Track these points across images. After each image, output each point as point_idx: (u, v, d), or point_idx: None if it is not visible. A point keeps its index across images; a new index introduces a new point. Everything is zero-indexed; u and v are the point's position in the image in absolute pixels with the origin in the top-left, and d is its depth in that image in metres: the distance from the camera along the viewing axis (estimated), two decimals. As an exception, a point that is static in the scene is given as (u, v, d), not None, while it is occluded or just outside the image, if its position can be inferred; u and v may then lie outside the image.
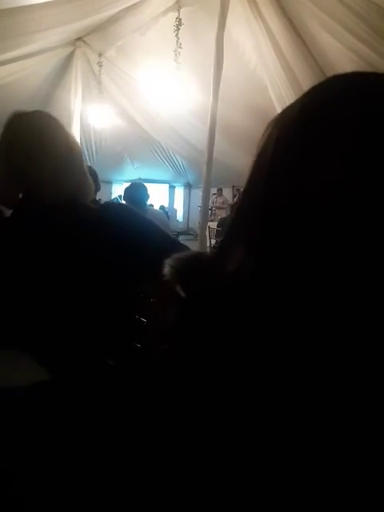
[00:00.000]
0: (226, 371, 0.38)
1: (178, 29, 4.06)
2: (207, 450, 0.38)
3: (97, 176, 2.17)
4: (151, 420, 0.43)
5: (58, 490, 0.72)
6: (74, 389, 0.79)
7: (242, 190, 0.46)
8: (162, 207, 9.37)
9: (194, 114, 5.37)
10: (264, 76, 4.27)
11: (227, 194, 9.41)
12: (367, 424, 0.33)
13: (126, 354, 0.90)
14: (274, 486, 0.35)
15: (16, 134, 0.90)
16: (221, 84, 3.32)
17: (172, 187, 12.21)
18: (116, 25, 4.43)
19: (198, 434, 0.38)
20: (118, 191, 10.26)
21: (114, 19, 4.34)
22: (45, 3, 3.25)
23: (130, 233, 0.89)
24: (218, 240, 5.02)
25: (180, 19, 4.04)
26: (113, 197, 10.39)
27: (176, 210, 11.99)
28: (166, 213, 7.84)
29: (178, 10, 4.03)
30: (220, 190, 9.35)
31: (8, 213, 0.93)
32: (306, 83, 3.87)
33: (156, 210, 4.92)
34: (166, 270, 0.47)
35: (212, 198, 8.45)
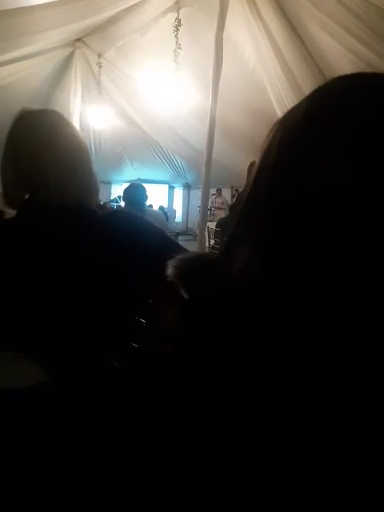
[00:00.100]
0: (232, 371, 0.38)
1: (178, 29, 4.06)
2: (213, 451, 0.38)
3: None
4: (156, 420, 0.43)
5: (57, 491, 0.72)
6: (75, 390, 0.79)
7: (248, 190, 0.46)
8: (161, 208, 9.37)
9: (193, 115, 5.38)
10: (263, 76, 4.28)
11: (226, 194, 9.41)
12: (369, 425, 0.33)
13: (126, 355, 0.90)
14: (274, 485, 0.35)
15: (24, 132, 0.88)
16: (220, 84, 3.33)
17: (171, 188, 12.21)
18: (115, 25, 4.43)
19: (202, 434, 0.39)
20: (117, 192, 10.26)
21: (113, 20, 4.34)
22: (44, 4, 3.26)
23: (134, 241, 0.88)
24: (218, 240, 5.02)
25: (179, 20, 4.04)
26: (112, 197, 10.39)
27: (175, 211, 11.98)
28: (165, 213, 7.85)
29: (178, 11, 4.03)
30: (219, 191, 9.35)
31: (12, 214, 0.92)
32: (305, 84, 3.87)
33: (155, 211, 4.92)
34: (170, 271, 0.47)
35: (211, 199, 8.45)
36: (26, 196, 0.89)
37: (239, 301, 0.40)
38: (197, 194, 9.31)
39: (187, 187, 11.87)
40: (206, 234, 4.88)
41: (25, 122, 0.89)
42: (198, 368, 0.40)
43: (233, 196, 8.75)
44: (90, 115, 5.97)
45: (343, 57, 3.59)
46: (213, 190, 8.58)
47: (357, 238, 0.35)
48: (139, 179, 9.69)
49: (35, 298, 0.82)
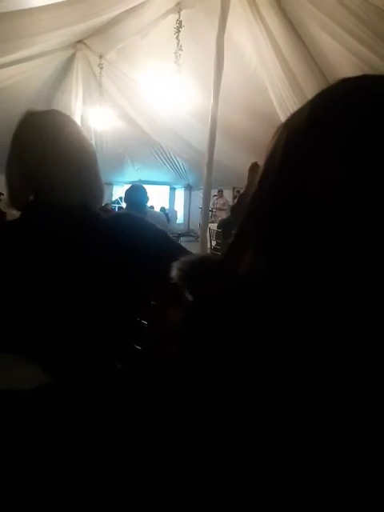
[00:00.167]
0: (237, 373, 0.38)
1: (179, 31, 4.07)
2: (219, 452, 0.38)
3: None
4: (160, 422, 0.43)
5: (59, 492, 0.72)
6: (78, 391, 0.79)
7: (253, 192, 0.46)
8: (162, 209, 9.38)
9: (194, 116, 5.38)
10: (264, 77, 4.28)
11: (228, 195, 9.42)
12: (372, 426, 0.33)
13: (128, 356, 0.90)
14: (275, 485, 0.35)
15: (29, 134, 0.87)
16: (221, 86, 3.33)
17: (173, 189, 12.23)
18: (117, 27, 4.44)
19: (207, 435, 0.39)
20: (118, 193, 10.28)
21: (114, 22, 4.36)
22: (46, 6, 3.27)
23: (137, 243, 0.88)
24: (219, 241, 5.02)
25: (180, 21, 4.05)
26: (114, 199, 10.41)
27: (176, 212, 12.00)
28: (167, 214, 7.86)
29: (179, 12, 4.04)
30: (220, 192, 9.36)
31: (14, 215, 0.91)
32: (306, 84, 3.88)
33: (156, 212, 4.93)
34: (174, 272, 0.47)
35: (212, 200, 8.46)
36: (31, 198, 0.88)
37: (244, 302, 0.40)
38: (198, 195, 9.32)
39: (188, 188, 11.89)
40: (208, 235, 4.88)
41: (30, 123, 0.89)
42: (203, 370, 0.40)
43: (234, 197, 8.76)
44: (92, 117, 5.99)
45: (344, 57, 3.60)
46: (214, 191, 8.59)
47: (359, 239, 0.35)
48: (141, 180, 9.71)
49: (38, 299, 0.82)
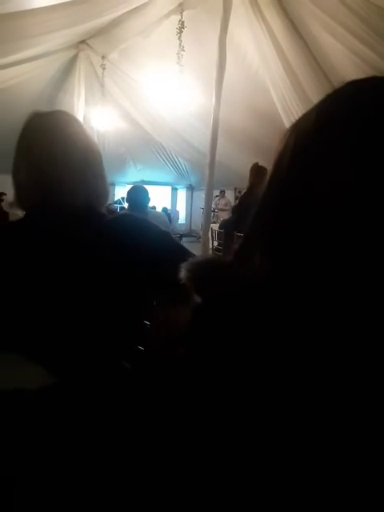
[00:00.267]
0: (246, 373, 0.38)
1: (181, 31, 4.07)
2: (226, 453, 0.38)
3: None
4: (169, 421, 0.44)
5: (61, 491, 0.72)
6: (83, 391, 0.79)
7: (261, 194, 0.46)
8: (164, 209, 9.38)
9: (196, 117, 5.38)
10: (266, 78, 4.28)
11: (230, 196, 9.42)
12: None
13: (132, 357, 0.90)
14: (276, 484, 0.35)
15: (37, 135, 0.87)
16: (223, 86, 3.33)
17: (174, 189, 12.23)
18: (119, 28, 4.45)
19: (215, 434, 0.39)
20: (120, 193, 10.29)
21: (116, 22, 4.36)
22: (48, 7, 3.28)
23: (140, 244, 0.88)
24: (221, 242, 5.01)
25: (183, 22, 4.05)
26: (116, 199, 10.42)
27: (178, 212, 12.00)
28: (169, 215, 7.86)
29: (181, 13, 4.04)
30: (222, 192, 9.36)
31: (17, 215, 0.91)
32: (308, 85, 3.87)
33: (157, 213, 4.93)
34: (182, 274, 0.47)
35: (214, 200, 8.46)
36: (38, 198, 0.88)
37: (251, 303, 0.40)
38: (200, 196, 9.32)
39: (190, 189, 11.88)
40: (210, 235, 4.88)
41: (37, 124, 0.89)
42: (211, 371, 0.40)
43: (236, 198, 8.75)
44: (94, 117, 5.99)
45: (345, 57, 3.59)
46: (216, 192, 8.59)
47: (366, 240, 0.36)
48: (143, 181, 9.71)
49: (41, 299, 0.82)
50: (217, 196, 8.98)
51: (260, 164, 3.50)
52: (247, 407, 0.37)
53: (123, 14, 4.15)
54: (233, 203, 8.55)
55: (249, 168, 3.66)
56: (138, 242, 0.88)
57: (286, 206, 0.41)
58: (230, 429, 0.38)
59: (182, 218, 12.15)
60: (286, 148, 0.43)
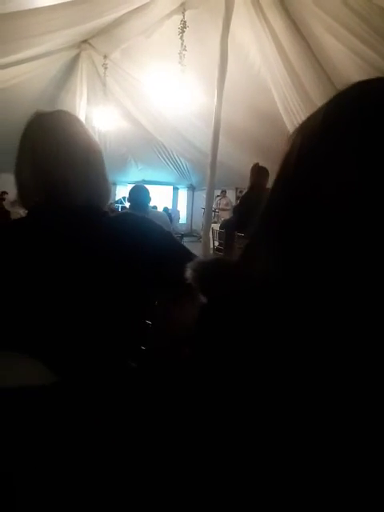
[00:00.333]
0: (253, 374, 0.38)
1: (183, 31, 4.07)
2: (230, 452, 0.38)
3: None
4: (175, 421, 0.44)
5: (63, 491, 0.72)
6: (86, 389, 0.80)
7: (269, 195, 0.47)
8: (165, 209, 9.38)
9: (198, 116, 5.38)
10: (268, 78, 4.28)
11: (231, 195, 9.41)
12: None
13: (135, 357, 0.90)
14: (277, 484, 0.35)
15: (40, 134, 0.88)
16: (225, 86, 3.33)
17: (176, 189, 12.22)
18: (121, 27, 4.45)
19: (220, 435, 0.39)
20: (122, 193, 10.29)
21: (119, 22, 4.36)
22: (50, 6, 3.28)
23: (141, 243, 0.88)
24: (222, 242, 5.01)
25: (185, 22, 4.05)
26: (117, 198, 10.42)
27: (179, 212, 11.99)
28: (169, 214, 7.85)
29: (183, 13, 4.04)
30: (223, 192, 9.35)
31: (19, 214, 0.92)
32: (310, 85, 3.87)
33: (158, 212, 4.93)
34: (188, 274, 0.47)
35: (215, 200, 8.45)
36: (41, 197, 0.89)
37: (259, 304, 0.40)
38: (201, 196, 9.30)
39: (191, 188, 11.88)
40: (211, 235, 4.88)
41: (40, 124, 0.89)
42: (217, 371, 0.40)
43: (237, 198, 8.75)
44: (96, 117, 5.99)
45: (347, 58, 3.59)
46: (217, 192, 8.58)
47: (373, 241, 0.36)
48: (144, 180, 9.71)
49: (43, 297, 0.82)
50: (218, 196, 8.97)
51: (260, 164, 3.50)
52: (252, 408, 0.37)
53: (125, 13, 4.16)
54: (234, 203, 8.55)
55: (250, 168, 3.66)
56: (140, 240, 0.88)
57: (293, 206, 0.41)
58: (235, 429, 0.38)
59: (182, 218, 12.14)
60: (293, 149, 0.43)
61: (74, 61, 5.45)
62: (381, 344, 0.34)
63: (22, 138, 0.89)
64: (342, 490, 0.34)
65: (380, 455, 0.33)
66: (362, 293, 0.36)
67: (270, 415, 0.36)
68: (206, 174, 3.59)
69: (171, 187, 11.97)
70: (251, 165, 3.66)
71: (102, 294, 0.84)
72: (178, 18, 4.10)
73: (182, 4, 4.05)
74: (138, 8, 4.07)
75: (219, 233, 5.40)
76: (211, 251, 4.89)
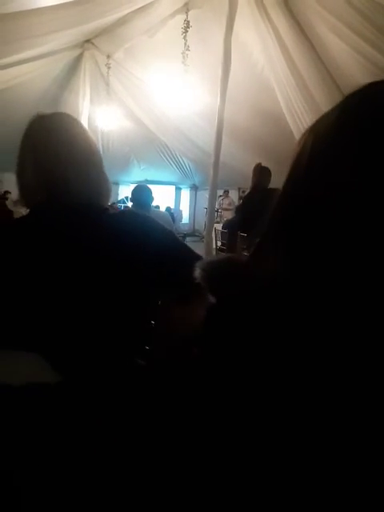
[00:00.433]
0: (262, 374, 0.38)
1: (186, 31, 4.08)
2: (240, 453, 0.38)
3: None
4: (181, 422, 0.44)
5: (64, 491, 0.72)
6: (89, 387, 0.80)
7: (279, 197, 0.46)
8: (167, 209, 9.39)
9: (201, 116, 5.38)
10: (271, 78, 4.27)
11: (233, 195, 9.41)
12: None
13: (143, 356, 0.90)
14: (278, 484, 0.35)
15: (42, 135, 0.89)
16: (228, 86, 3.33)
17: (178, 189, 12.23)
18: (124, 27, 4.46)
19: (226, 435, 0.39)
20: (124, 192, 10.30)
21: (122, 21, 4.37)
22: (54, 6, 3.28)
23: (141, 241, 0.88)
24: (225, 241, 5.01)
25: (188, 21, 4.05)
26: (119, 198, 10.44)
27: (181, 212, 12.00)
28: (172, 214, 7.85)
29: (186, 13, 4.04)
30: (226, 192, 9.35)
31: (21, 214, 0.93)
32: (313, 85, 3.86)
33: (161, 212, 4.92)
34: (197, 273, 0.47)
35: (218, 200, 8.45)
36: (43, 196, 0.89)
37: (269, 304, 0.40)
38: (204, 196, 9.32)
39: (194, 188, 11.89)
40: (213, 235, 4.88)
41: (42, 125, 0.91)
42: (226, 372, 0.40)
43: (240, 197, 8.75)
44: (99, 116, 6.00)
45: (351, 57, 3.58)
46: (220, 192, 8.59)
47: (381, 241, 0.36)
48: (146, 180, 9.72)
49: (45, 296, 0.83)
50: (220, 196, 8.98)
51: (263, 164, 3.49)
52: (260, 407, 0.37)
53: (128, 13, 4.16)
54: (236, 203, 8.55)
55: (252, 168, 3.66)
56: (142, 240, 0.88)
57: (304, 206, 0.41)
58: (243, 429, 0.38)
59: (185, 218, 12.15)
60: (305, 149, 0.43)
61: (77, 60, 5.46)
62: None
63: (23, 138, 0.90)
64: (343, 489, 0.33)
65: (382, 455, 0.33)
66: (372, 293, 0.36)
67: (278, 414, 0.36)
68: (208, 173, 3.59)
69: (174, 187, 11.98)
70: (254, 165, 3.66)
71: (103, 293, 0.84)
72: (181, 17, 4.10)
73: (186, 4, 4.05)
74: (141, 7, 4.07)
75: (222, 233, 5.40)
76: (214, 251, 4.89)
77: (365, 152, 0.37)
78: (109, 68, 5.39)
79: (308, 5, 3.51)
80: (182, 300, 0.88)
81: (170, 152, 8.82)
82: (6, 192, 7.87)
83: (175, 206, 11.84)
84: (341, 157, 0.39)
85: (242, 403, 0.38)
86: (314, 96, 3.84)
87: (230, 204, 9.16)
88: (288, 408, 0.36)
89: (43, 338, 0.81)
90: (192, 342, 0.60)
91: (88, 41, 5.05)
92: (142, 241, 0.88)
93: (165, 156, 9.08)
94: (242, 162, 5.73)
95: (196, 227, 11.65)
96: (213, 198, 3.71)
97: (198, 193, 11.72)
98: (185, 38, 4.09)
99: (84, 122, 5.45)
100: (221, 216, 8.76)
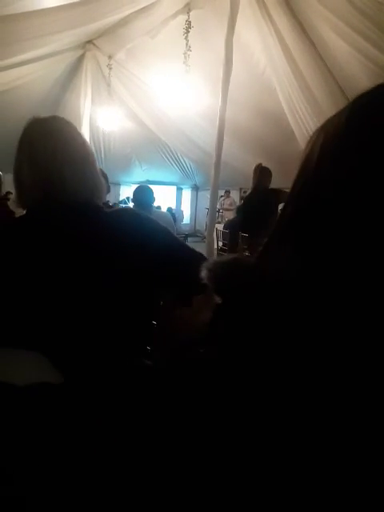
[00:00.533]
0: (270, 375, 0.38)
1: (188, 32, 4.08)
2: (249, 454, 0.37)
3: (107, 178, 2.22)
4: (183, 422, 0.44)
5: (65, 490, 0.72)
6: (91, 387, 0.80)
7: (289, 194, 0.46)
8: (169, 209, 9.39)
9: (202, 117, 5.39)
10: (273, 78, 4.27)
11: (235, 195, 9.41)
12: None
13: (146, 356, 0.90)
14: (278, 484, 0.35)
15: (39, 137, 0.91)
16: (229, 86, 3.33)
17: (179, 189, 12.23)
18: (126, 28, 4.46)
19: (231, 435, 0.39)
20: (126, 193, 10.31)
21: (123, 22, 4.38)
22: (56, 7, 3.29)
23: (139, 239, 0.89)
24: (226, 242, 5.01)
25: (189, 22, 4.06)
26: (121, 198, 10.45)
27: (183, 212, 12.00)
28: (173, 215, 7.85)
29: (188, 13, 4.05)
30: (227, 192, 9.35)
31: (22, 214, 0.94)
32: (315, 85, 3.86)
33: (162, 212, 4.92)
34: (204, 273, 0.47)
35: (219, 200, 8.46)
36: (40, 195, 0.90)
37: (278, 304, 0.40)
38: (205, 196, 9.31)
39: (195, 189, 11.89)
40: (215, 235, 4.88)
41: (39, 127, 0.93)
42: (233, 372, 0.40)
43: (241, 198, 8.75)
44: (100, 117, 6.01)
45: (352, 57, 3.58)
46: (221, 192, 8.59)
47: None
48: (148, 181, 9.72)
49: (45, 295, 0.83)
50: (222, 196, 8.98)
51: (264, 164, 3.49)
52: (269, 407, 0.37)
53: (130, 13, 4.17)
54: (238, 203, 8.56)
55: (252, 168, 3.66)
56: (141, 240, 0.89)
57: (313, 206, 0.41)
58: (252, 428, 0.38)
59: (186, 218, 12.15)
60: (314, 149, 0.43)
61: (79, 61, 5.47)
62: None
63: (20, 139, 0.93)
64: (344, 489, 0.33)
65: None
66: (382, 291, 0.35)
67: (288, 413, 0.36)
68: (209, 174, 3.59)
69: (175, 187, 11.98)
70: (255, 165, 3.67)
71: (103, 292, 0.85)
72: (182, 18, 4.11)
73: (187, 4, 4.06)
74: (142, 8, 4.08)
75: (223, 233, 5.41)
76: (215, 252, 4.89)
77: (374, 152, 0.37)
78: (110, 69, 5.39)
79: (310, 4, 3.51)
80: (184, 300, 0.88)
81: (172, 152, 8.83)
82: (8, 193, 7.89)
83: (176, 206, 11.84)
84: (350, 157, 0.39)
85: (251, 403, 0.38)
86: (316, 96, 3.84)
87: (231, 204, 9.16)
88: (300, 407, 0.36)
89: (44, 336, 0.81)
90: (196, 343, 0.60)
91: (89, 42, 5.06)
92: (143, 241, 0.89)
93: (166, 156, 9.09)
94: (243, 162, 5.73)
95: (197, 227, 11.65)
96: (214, 198, 3.71)
97: (200, 193, 11.72)
98: (186, 38, 4.10)
99: (86, 123, 5.47)
100: (222, 216, 8.76)
